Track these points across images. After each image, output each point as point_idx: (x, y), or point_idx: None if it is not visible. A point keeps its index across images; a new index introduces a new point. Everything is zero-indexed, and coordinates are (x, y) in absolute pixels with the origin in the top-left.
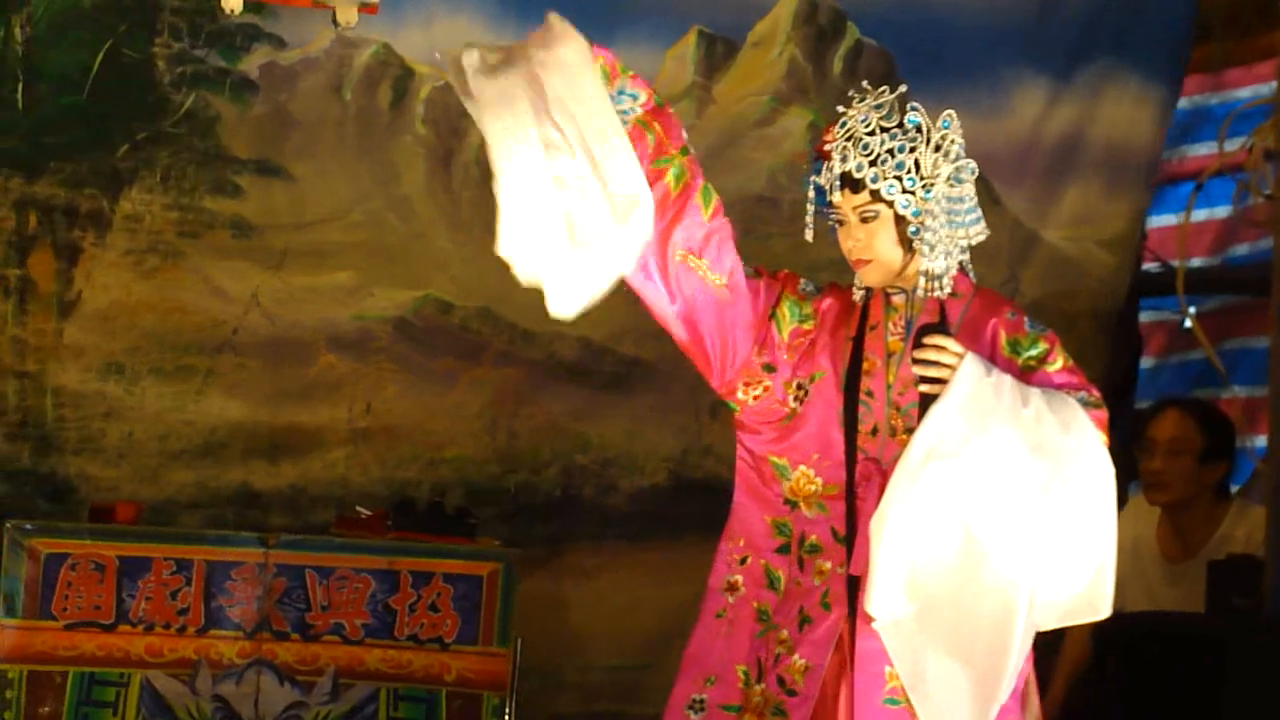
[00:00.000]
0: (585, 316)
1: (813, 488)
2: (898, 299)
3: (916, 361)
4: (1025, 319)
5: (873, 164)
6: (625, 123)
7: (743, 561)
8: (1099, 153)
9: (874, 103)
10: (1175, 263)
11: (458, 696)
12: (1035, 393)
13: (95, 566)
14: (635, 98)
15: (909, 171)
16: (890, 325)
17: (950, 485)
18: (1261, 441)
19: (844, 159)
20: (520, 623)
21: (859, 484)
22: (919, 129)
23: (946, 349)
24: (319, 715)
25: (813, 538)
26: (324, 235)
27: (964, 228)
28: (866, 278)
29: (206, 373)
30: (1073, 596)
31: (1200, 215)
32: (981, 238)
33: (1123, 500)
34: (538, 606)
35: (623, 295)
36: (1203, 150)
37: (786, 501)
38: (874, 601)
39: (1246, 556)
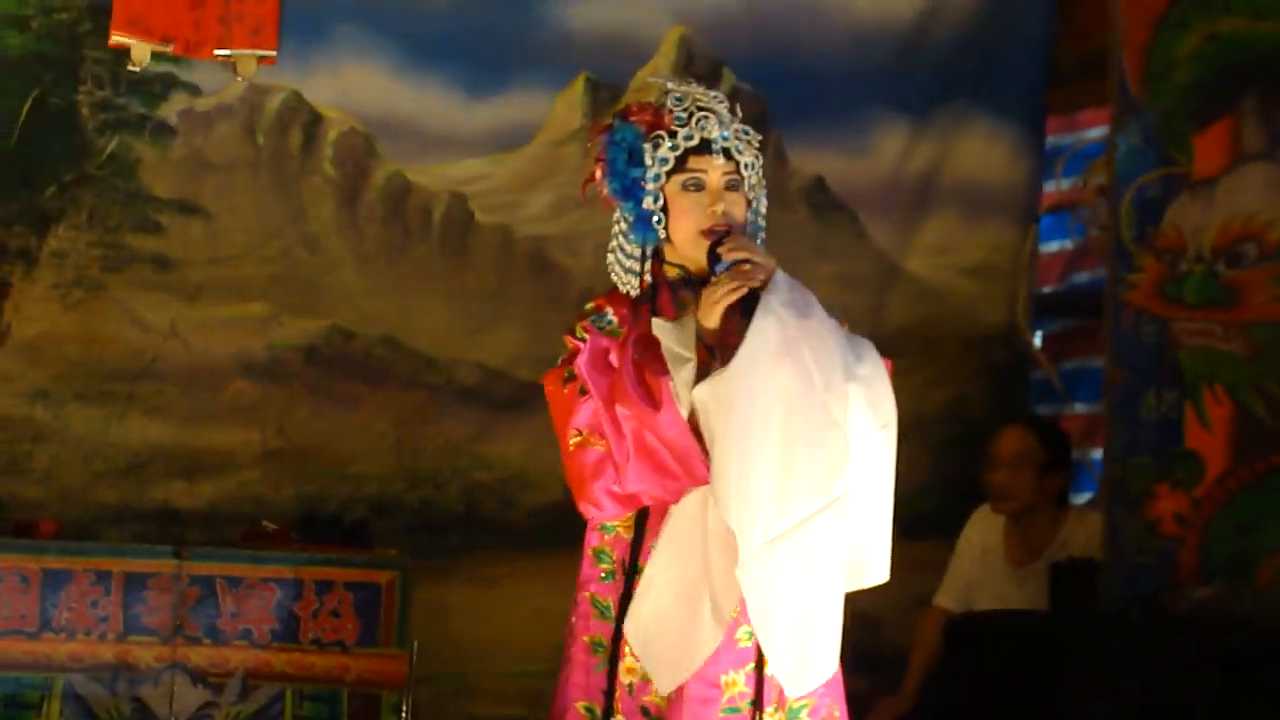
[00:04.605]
0: (481, 344)
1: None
2: (686, 293)
3: (729, 256)
4: None
5: (736, 137)
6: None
7: (576, 603)
8: (955, 187)
9: (702, 86)
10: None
11: (358, 696)
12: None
13: (20, 579)
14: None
15: (752, 148)
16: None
17: (791, 386)
18: (1098, 454)
19: (703, 128)
20: (425, 630)
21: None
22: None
23: (751, 247)
24: (229, 714)
25: (637, 560)
26: (238, 269)
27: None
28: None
29: (127, 398)
30: (855, 548)
31: (1055, 246)
32: None
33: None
34: (442, 614)
35: (515, 325)
36: (1053, 186)
37: (602, 527)
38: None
39: (1085, 559)
